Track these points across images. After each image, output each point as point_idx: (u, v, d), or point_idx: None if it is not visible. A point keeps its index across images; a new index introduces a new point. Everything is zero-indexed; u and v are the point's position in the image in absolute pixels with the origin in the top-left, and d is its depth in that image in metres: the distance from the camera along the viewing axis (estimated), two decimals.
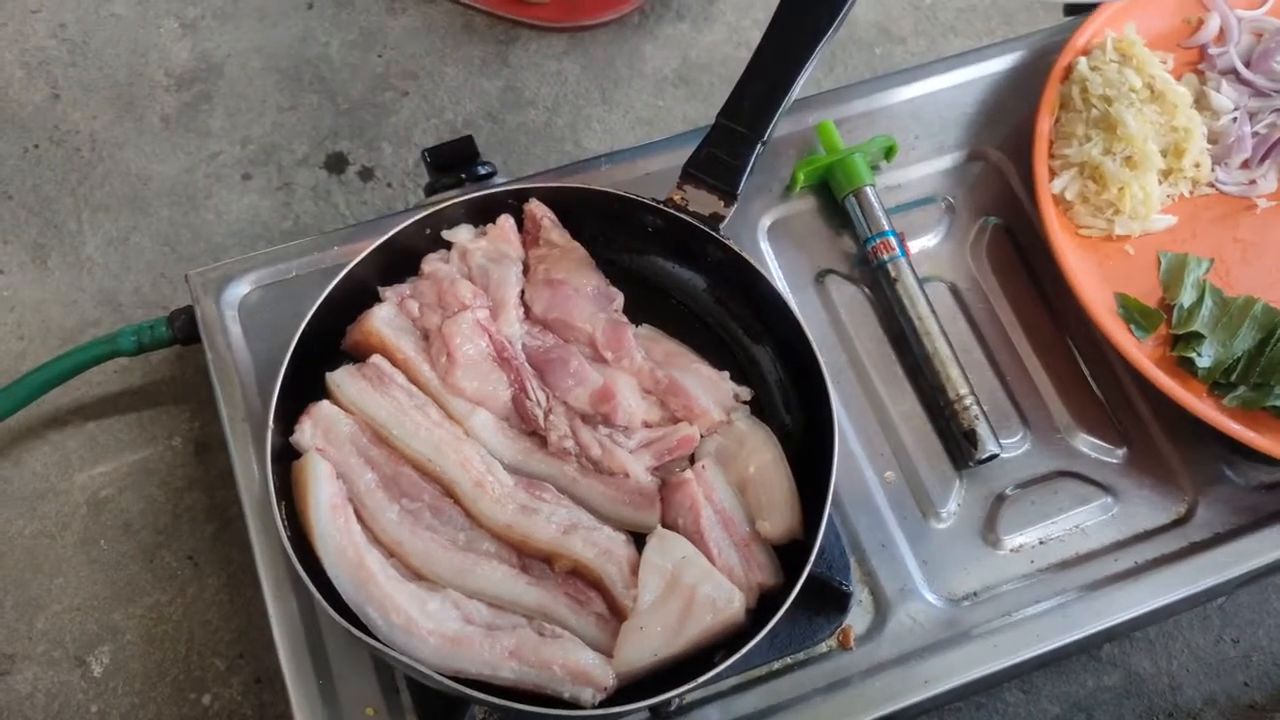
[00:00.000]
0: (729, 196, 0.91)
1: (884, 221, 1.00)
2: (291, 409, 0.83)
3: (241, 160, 1.18)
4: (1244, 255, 1.02)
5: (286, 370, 0.82)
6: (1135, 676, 1.00)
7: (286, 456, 0.81)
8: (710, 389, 0.88)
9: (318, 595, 0.74)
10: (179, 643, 0.97)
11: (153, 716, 0.94)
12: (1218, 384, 0.94)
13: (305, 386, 0.84)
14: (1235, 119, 1.05)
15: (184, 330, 0.97)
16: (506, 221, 0.92)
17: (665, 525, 0.82)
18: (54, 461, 1.03)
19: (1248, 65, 1.07)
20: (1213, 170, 1.04)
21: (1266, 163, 1.04)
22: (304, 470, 0.79)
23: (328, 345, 0.88)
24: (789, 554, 0.83)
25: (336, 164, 1.19)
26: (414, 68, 1.25)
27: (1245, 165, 1.04)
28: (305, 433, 0.81)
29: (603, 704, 0.75)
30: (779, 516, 0.83)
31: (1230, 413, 0.93)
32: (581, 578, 0.80)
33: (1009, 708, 0.98)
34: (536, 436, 0.86)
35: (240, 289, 0.95)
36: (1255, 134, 1.04)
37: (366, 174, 1.19)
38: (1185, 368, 0.95)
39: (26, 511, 1.01)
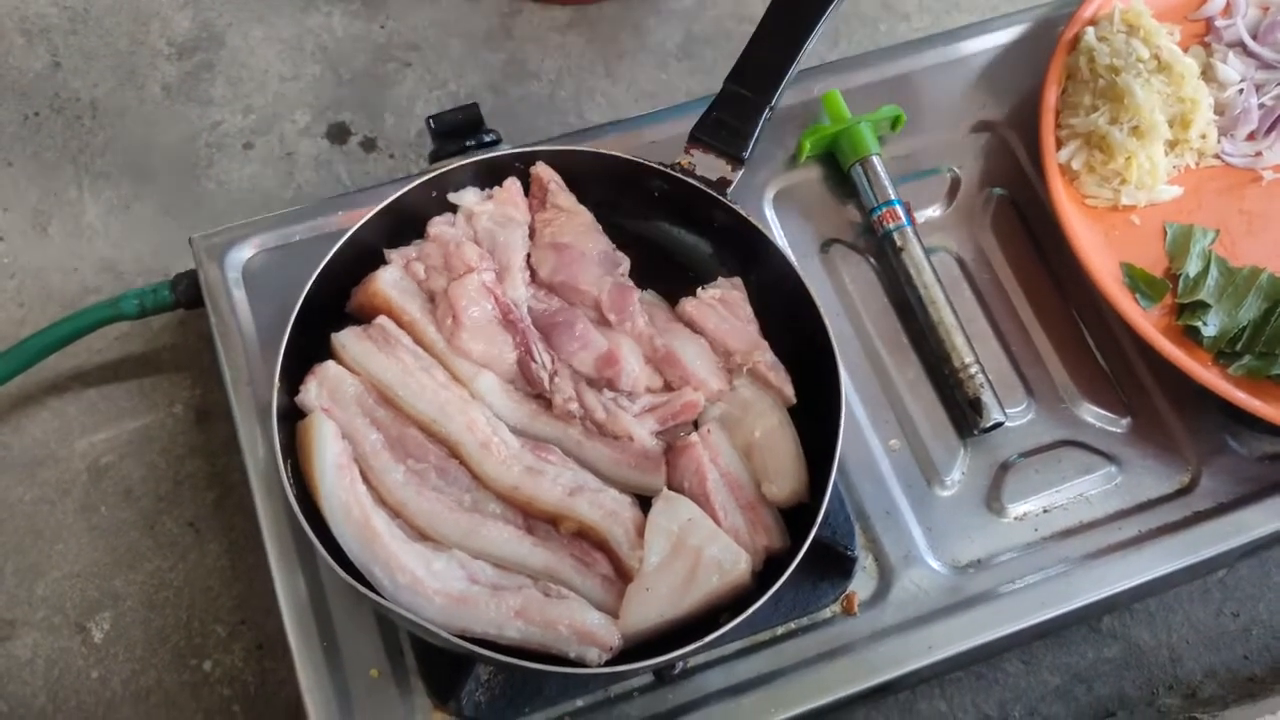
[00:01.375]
0: (736, 161, 0.91)
1: (890, 190, 0.99)
2: (296, 370, 0.82)
3: (243, 130, 1.18)
4: (1249, 226, 1.02)
5: (292, 330, 0.82)
6: (1135, 648, 1.00)
7: (291, 418, 0.81)
8: (709, 358, 0.88)
9: (323, 552, 0.74)
10: (180, 609, 0.96)
11: (153, 683, 0.94)
12: (1223, 353, 0.94)
13: (309, 349, 0.84)
14: (1241, 91, 1.05)
15: (187, 294, 0.96)
16: (513, 184, 0.91)
17: (671, 488, 0.82)
18: (54, 428, 1.02)
19: (1254, 38, 1.07)
20: (1219, 142, 1.04)
21: (1272, 135, 1.04)
22: (310, 429, 0.79)
23: (332, 309, 0.87)
24: (795, 519, 0.83)
25: (339, 134, 1.19)
26: (416, 39, 1.24)
27: (1251, 137, 1.04)
28: (311, 392, 0.81)
29: (608, 664, 0.75)
30: (785, 479, 0.83)
31: (1235, 381, 0.93)
32: (587, 539, 0.80)
33: (1009, 678, 0.98)
34: (542, 399, 0.85)
35: (244, 253, 0.95)
36: (1261, 106, 1.04)
37: (369, 144, 1.18)
38: (1191, 337, 0.95)
39: (26, 478, 1.00)
